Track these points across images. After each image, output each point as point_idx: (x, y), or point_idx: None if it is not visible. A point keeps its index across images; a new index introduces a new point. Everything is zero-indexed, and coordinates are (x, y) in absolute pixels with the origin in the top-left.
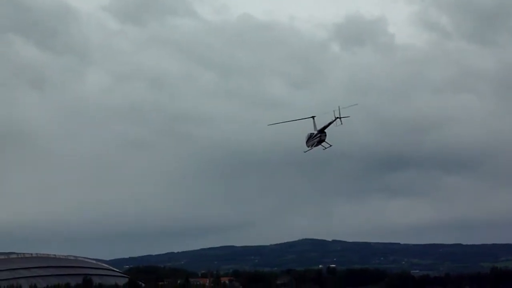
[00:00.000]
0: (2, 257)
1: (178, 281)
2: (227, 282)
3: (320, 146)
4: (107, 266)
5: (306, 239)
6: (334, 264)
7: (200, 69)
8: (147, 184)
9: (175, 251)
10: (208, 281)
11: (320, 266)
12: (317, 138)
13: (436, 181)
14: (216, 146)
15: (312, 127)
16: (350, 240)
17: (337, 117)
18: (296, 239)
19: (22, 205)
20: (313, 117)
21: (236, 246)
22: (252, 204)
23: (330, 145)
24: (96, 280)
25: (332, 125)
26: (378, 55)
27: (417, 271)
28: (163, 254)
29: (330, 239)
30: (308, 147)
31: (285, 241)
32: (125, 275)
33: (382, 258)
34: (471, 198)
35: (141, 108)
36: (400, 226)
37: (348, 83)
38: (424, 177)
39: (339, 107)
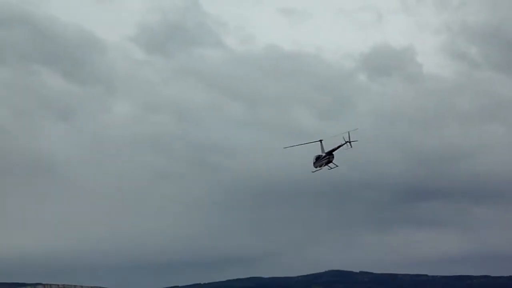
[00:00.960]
0: None
1: None
2: None
3: (326, 166)
4: None
5: (332, 270)
6: None
7: (227, 100)
8: (173, 215)
9: (202, 282)
10: None
11: None
12: (326, 159)
13: (464, 211)
14: (243, 177)
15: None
16: (377, 272)
17: (347, 141)
18: (323, 270)
19: (48, 235)
20: (320, 140)
21: (263, 278)
22: (279, 234)
23: (337, 166)
24: None
25: (342, 148)
26: (406, 84)
27: None
28: (189, 286)
29: (357, 270)
30: (316, 167)
31: (312, 272)
32: None
33: None
34: (500, 229)
35: (168, 138)
36: (427, 257)
37: (376, 113)
38: (452, 208)
39: (348, 132)
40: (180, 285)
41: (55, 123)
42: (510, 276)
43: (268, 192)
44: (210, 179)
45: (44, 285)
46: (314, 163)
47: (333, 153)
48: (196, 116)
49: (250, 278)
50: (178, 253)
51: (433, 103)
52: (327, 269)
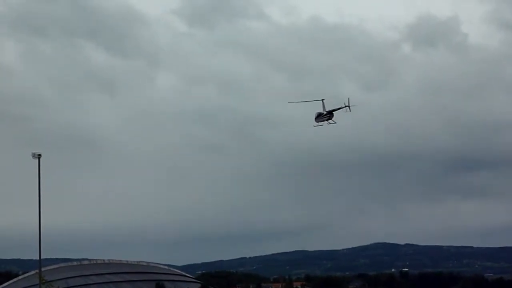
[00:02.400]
0: (74, 263)
1: (250, 286)
2: (299, 287)
3: (326, 122)
4: (179, 271)
5: (378, 243)
6: (406, 268)
7: (271, 71)
8: (218, 188)
9: (247, 256)
10: (280, 286)
11: (393, 270)
12: (327, 117)
13: (511, 182)
14: (288, 149)
15: (321, 107)
16: (422, 244)
17: (346, 105)
18: (368, 243)
19: (93, 211)
20: (322, 100)
21: (308, 251)
22: (324, 207)
23: (335, 122)
24: (169, 286)
25: (341, 110)
26: (451, 55)
27: (491, 274)
28: (235, 259)
29: (402, 243)
30: (318, 122)
31: (357, 245)
32: (197, 281)
33: (455, 262)
34: None
35: (212, 111)
36: (473, 229)
37: (421, 83)
38: (498, 179)
39: (348, 98)
40: (225, 259)
41: (99, 97)
42: None
43: (313, 165)
44: (255, 151)
45: (90, 260)
46: (315, 118)
47: (333, 113)
48: (240, 88)
49: (296, 251)
50: (223, 227)
51: (478, 73)
52: (372, 242)
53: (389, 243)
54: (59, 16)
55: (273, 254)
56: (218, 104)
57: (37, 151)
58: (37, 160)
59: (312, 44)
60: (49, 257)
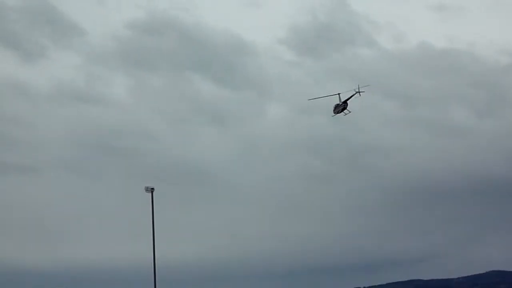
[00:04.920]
0: None
1: None
2: None
3: (342, 113)
4: None
5: (494, 271)
6: None
7: (381, 98)
8: (330, 218)
9: (361, 286)
10: None
11: None
12: (342, 106)
13: None
14: (399, 176)
15: (337, 99)
16: None
17: (357, 91)
18: (484, 271)
19: (202, 243)
20: (338, 94)
21: (422, 280)
22: (437, 235)
23: (350, 111)
24: None
25: (354, 97)
26: None
27: None
28: None
29: None
30: (335, 113)
31: (473, 273)
32: None
33: None
34: None
35: (322, 140)
36: None
37: None
38: None
39: (358, 85)
40: None
41: (209, 129)
42: None
43: (426, 192)
44: (366, 179)
45: None
46: (333, 110)
47: (347, 102)
48: (351, 116)
49: (410, 280)
50: (336, 256)
51: None
52: (488, 270)
53: (507, 271)
54: (167, 49)
55: (387, 284)
56: (328, 133)
57: (150, 185)
58: (150, 194)
59: (421, 70)
60: None
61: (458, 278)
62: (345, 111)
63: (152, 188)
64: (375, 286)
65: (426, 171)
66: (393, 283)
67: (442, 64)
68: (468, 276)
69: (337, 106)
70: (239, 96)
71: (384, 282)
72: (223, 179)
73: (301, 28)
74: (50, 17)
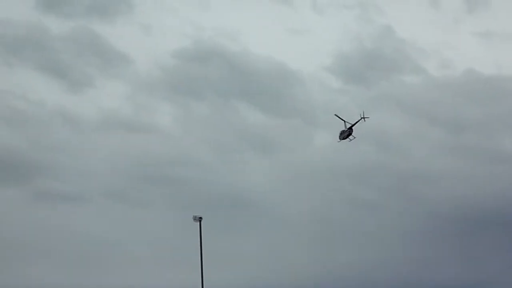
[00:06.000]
0: None
1: None
2: None
3: (347, 139)
4: None
5: None
6: None
7: (428, 126)
8: (375, 246)
9: None
10: None
11: None
12: (347, 133)
13: None
14: (447, 205)
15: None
16: None
17: (362, 117)
18: None
19: (251, 272)
20: (344, 121)
21: None
22: (487, 264)
23: (355, 137)
24: None
25: (359, 123)
26: None
27: None
28: None
29: None
30: (340, 139)
31: None
32: None
33: None
34: None
35: (369, 168)
36: None
37: None
38: None
39: (363, 111)
40: None
41: (255, 157)
42: None
43: (474, 220)
44: (412, 207)
45: None
46: (339, 136)
47: (352, 128)
48: (397, 144)
49: None
50: (380, 284)
51: None
52: None
53: None
54: (214, 77)
55: None
56: (373, 161)
57: (198, 214)
58: (198, 223)
59: (468, 97)
60: None
61: None
62: (350, 137)
63: (200, 217)
64: None
65: (472, 198)
66: None
67: (490, 91)
68: None
69: (342, 132)
70: (285, 124)
71: None
72: (269, 207)
73: (347, 55)
74: (96, 46)
